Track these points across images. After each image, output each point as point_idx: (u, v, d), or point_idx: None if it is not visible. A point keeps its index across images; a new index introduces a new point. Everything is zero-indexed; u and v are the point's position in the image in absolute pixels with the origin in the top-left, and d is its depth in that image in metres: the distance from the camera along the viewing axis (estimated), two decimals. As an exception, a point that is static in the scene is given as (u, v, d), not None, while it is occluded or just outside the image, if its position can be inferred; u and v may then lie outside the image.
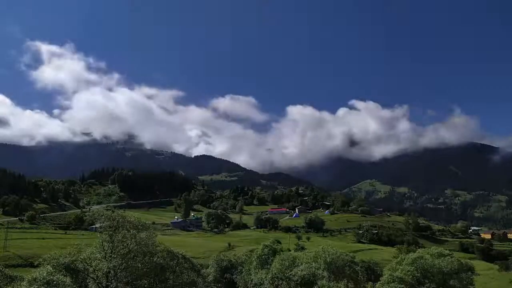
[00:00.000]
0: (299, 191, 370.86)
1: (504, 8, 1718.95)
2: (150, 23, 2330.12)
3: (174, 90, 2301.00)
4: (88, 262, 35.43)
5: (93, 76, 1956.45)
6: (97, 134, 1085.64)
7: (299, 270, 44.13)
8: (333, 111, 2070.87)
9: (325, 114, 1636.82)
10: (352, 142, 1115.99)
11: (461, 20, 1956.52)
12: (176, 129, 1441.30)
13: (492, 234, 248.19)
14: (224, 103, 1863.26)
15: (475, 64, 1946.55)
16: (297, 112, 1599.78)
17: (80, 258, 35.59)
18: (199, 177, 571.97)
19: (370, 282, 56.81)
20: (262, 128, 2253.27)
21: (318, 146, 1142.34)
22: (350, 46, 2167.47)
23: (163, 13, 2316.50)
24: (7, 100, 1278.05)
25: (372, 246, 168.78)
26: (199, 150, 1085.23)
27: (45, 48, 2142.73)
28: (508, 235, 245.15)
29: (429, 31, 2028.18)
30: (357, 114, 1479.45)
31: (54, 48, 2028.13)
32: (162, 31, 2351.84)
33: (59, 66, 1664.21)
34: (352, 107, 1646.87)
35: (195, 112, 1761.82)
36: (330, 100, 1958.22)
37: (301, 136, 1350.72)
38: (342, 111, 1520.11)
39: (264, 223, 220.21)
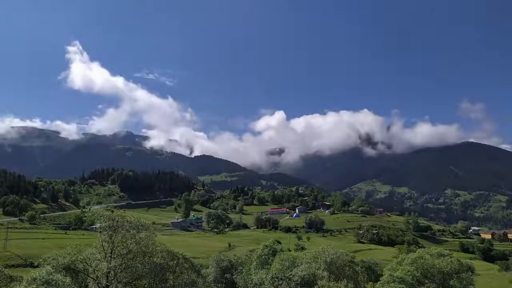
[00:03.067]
0: (299, 191, 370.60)
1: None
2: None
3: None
4: (88, 262, 35.35)
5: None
6: (97, 133, 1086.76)
7: (299, 270, 44.04)
8: (335, 112, 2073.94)
9: (326, 116, 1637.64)
10: (354, 143, 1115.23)
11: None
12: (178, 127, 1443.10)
13: (492, 234, 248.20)
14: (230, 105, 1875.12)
15: (478, 64, 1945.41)
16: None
17: (80, 258, 35.52)
18: (199, 177, 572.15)
19: (370, 282, 56.75)
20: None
21: (319, 146, 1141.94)
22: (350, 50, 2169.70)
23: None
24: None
25: (372, 246, 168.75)
26: (201, 150, 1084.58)
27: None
28: (508, 235, 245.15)
29: (422, 31, 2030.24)
30: (357, 115, 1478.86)
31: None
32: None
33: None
34: (352, 109, 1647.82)
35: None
36: (330, 102, 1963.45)
37: (300, 136, 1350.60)
38: (342, 113, 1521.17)
39: (264, 223, 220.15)
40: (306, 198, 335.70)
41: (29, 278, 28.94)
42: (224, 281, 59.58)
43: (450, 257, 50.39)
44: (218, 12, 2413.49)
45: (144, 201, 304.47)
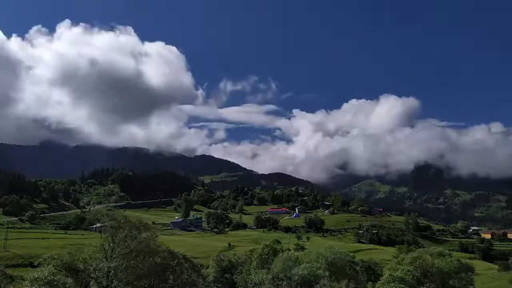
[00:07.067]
0: (299, 191, 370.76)
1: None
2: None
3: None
4: (88, 262, 35.41)
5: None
6: (97, 133, 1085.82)
7: (299, 270, 44.12)
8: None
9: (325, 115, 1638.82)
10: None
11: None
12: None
13: (492, 234, 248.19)
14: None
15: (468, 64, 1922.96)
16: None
17: (81, 258, 35.57)
18: (199, 177, 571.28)
19: (370, 282, 56.86)
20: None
21: (319, 146, 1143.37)
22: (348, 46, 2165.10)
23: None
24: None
25: (372, 246, 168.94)
26: (203, 150, 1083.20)
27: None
28: (508, 235, 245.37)
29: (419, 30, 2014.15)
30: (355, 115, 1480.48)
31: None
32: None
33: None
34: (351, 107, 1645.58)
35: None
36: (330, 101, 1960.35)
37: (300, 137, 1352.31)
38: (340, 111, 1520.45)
39: (264, 223, 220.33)
40: (306, 198, 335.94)
41: (31, 278, 28.97)
42: (224, 281, 59.63)
43: (450, 257, 50.58)
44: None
45: (144, 201, 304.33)
